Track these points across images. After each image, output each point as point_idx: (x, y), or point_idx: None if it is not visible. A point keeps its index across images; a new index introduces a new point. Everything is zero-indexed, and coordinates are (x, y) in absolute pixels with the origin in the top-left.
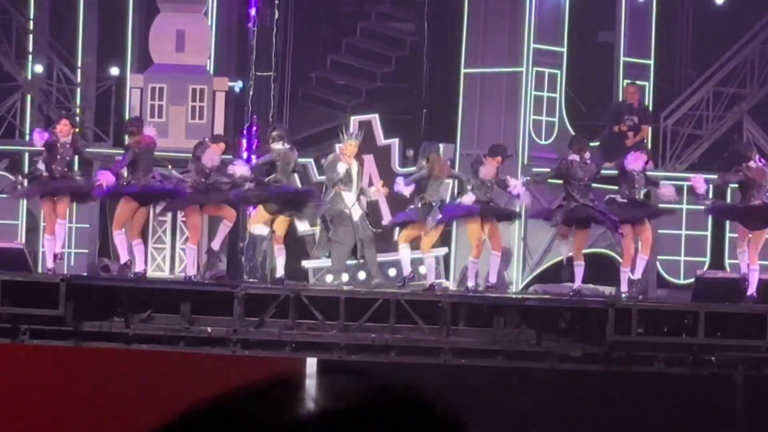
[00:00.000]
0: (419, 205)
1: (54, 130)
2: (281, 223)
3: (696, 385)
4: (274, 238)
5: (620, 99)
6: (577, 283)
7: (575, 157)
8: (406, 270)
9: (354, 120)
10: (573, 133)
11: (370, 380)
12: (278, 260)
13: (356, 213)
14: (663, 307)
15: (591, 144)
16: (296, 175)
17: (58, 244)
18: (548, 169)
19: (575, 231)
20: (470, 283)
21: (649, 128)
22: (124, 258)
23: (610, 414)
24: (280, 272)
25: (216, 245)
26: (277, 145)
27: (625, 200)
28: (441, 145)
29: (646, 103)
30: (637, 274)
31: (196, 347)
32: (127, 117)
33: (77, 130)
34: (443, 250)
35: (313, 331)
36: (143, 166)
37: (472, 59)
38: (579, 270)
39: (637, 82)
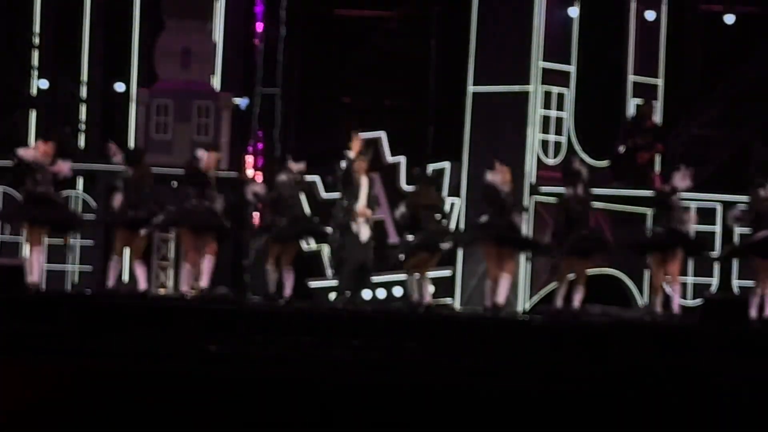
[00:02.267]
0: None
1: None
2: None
3: (702, 407)
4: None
5: (631, 117)
6: (577, 304)
7: (569, 191)
8: (426, 297)
9: (360, 138)
10: (579, 154)
11: None
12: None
13: (364, 233)
14: (670, 327)
15: (599, 162)
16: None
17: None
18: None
19: (573, 259)
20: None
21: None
22: (111, 282)
23: None
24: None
25: (205, 283)
26: (281, 177)
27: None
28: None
29: (655, 122)
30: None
31: (199, 365)
32: (132, 134)
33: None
34: (448, 271)
35: (317, 350)
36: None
37: (479, 77)
38: (578, 294)
39: (629, 101)
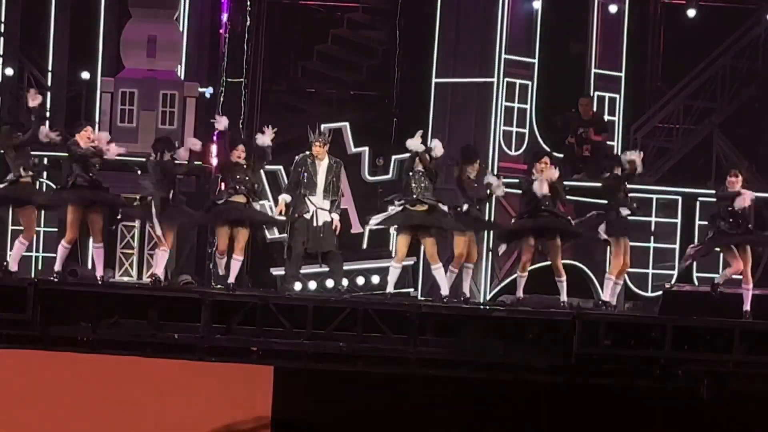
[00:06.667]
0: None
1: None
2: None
3: (662, 399)
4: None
5: (574, 110)
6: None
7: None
8: (445, 290)
9: (324, 128)
10: (542, 145)
11: None
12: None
13: (321, 218)
14: (630, 319)
15: (556, 155)
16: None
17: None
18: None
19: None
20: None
21: (605, 136)
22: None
23: (575, 426)
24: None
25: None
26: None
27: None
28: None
29: (616, 115)
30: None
31: (162, 354)
32: (97, 121)
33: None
34: (411, 260)
35: (281, 339)
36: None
37: (443, 69)
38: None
39: (592, 93)
